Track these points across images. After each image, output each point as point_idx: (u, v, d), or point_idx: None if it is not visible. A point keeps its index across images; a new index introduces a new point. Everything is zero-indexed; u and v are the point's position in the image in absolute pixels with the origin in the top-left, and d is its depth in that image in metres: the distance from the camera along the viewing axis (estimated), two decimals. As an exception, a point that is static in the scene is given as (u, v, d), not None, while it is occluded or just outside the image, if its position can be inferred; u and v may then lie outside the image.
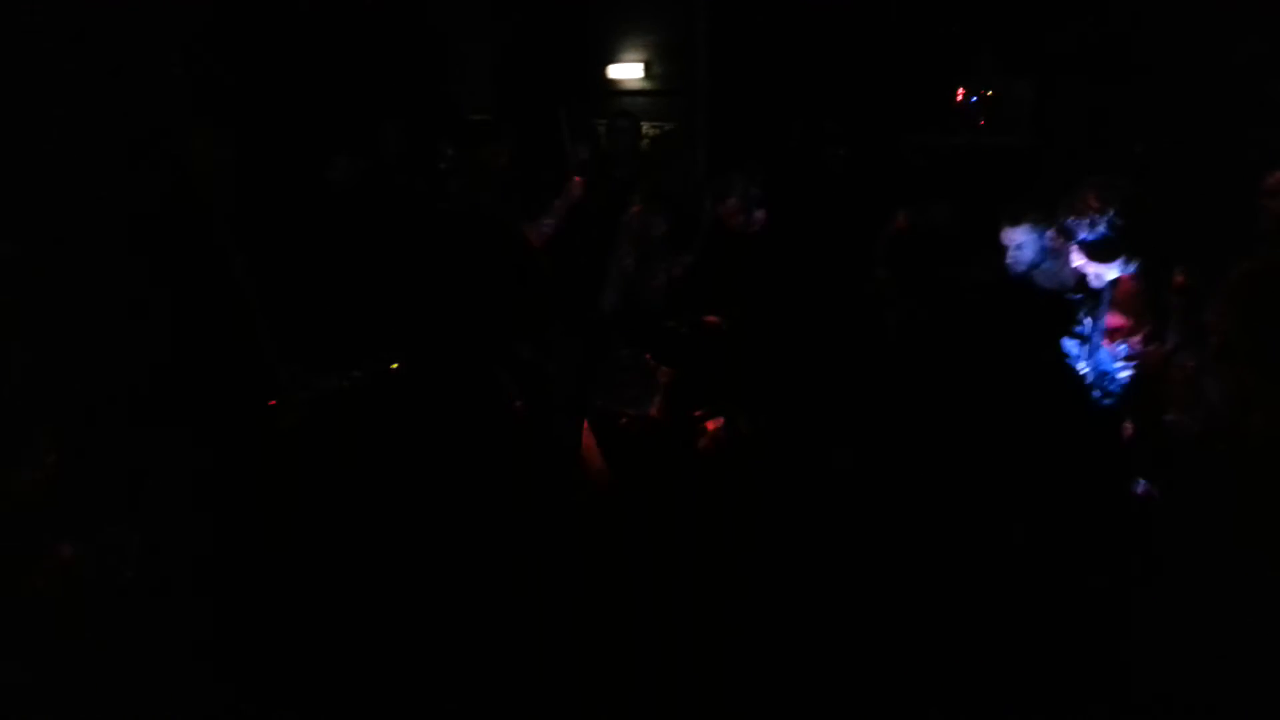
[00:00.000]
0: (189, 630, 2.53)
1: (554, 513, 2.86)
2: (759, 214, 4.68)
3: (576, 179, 4.55)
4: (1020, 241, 3.83)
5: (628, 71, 9.28)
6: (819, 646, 2.44)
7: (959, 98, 8.16)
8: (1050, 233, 3.69)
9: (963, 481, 2.42)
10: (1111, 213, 3.10)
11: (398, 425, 3.05)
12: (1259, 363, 1.72)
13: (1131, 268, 3.21)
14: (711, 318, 3.51)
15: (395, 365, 3.28)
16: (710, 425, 3.04)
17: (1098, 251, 3.17)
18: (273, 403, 3.32)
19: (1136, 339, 3.18)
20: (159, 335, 3.11)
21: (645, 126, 8.73)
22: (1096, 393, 3.40)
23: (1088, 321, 3.52)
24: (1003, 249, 3.85)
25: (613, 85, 9.35)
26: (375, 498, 2.93)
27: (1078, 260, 3.26)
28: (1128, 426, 3.07)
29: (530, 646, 2.60)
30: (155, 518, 2.70)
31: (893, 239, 3.54)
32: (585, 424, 3.13)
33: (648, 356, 3.32)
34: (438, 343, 3.15)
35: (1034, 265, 3.81)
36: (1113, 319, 3.30)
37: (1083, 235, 3.16)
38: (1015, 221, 3.83)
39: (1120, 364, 3.23)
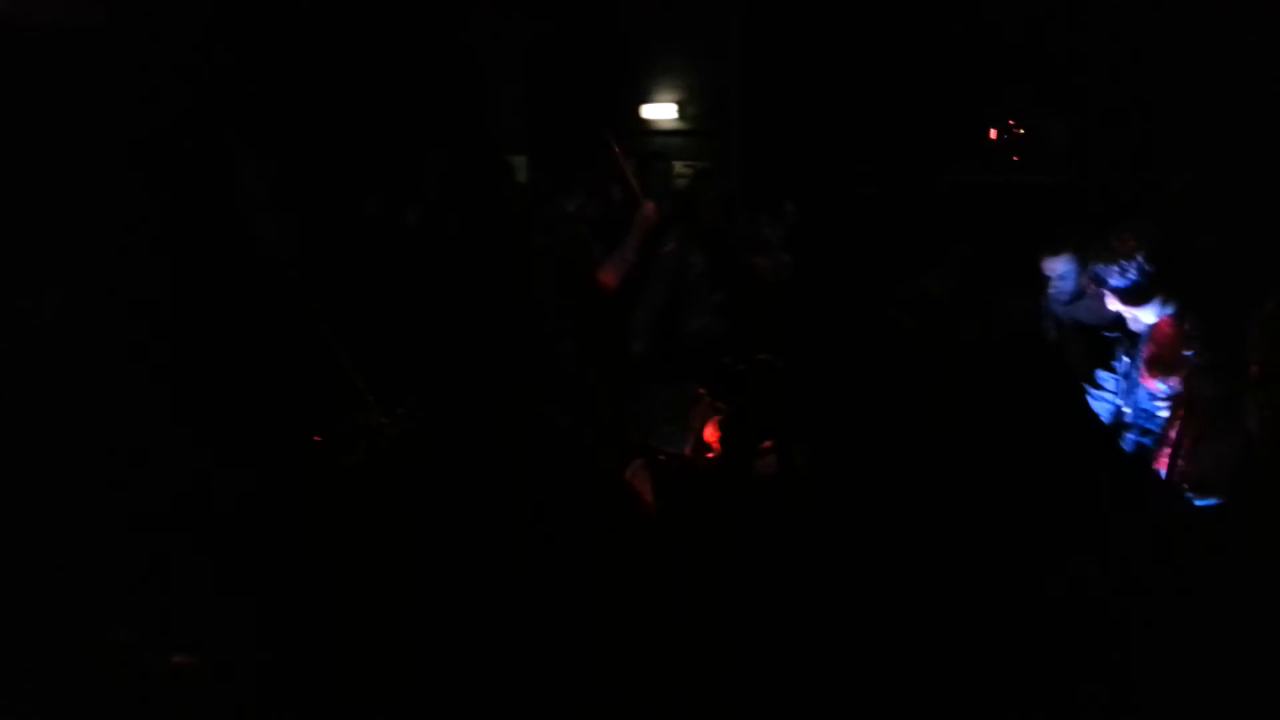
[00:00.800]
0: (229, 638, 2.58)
1: (592, 545, 2.88)
2: (786, 259, 4.74)
3: (650, 205, 4.48)
4: (1063, 272, 3.82)
5: (661, 111, 9.38)
6: (861, 677, 2.44)
7: (994, 136, 8.17)
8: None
9: (986, 518, 2.43)
10: (1140, 258, 3.09)
11: (439, 462, 3.09)
12: None
13: (1169, 309, 3.20)
14: (765, 355, 3.54)
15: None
16: (761, 462, 3.05)
17: (1130, 296, 3.17)
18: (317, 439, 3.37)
19: (1175, 379, 3.16)
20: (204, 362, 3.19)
21: (679, 166, 8.82)
22: (1135, 433, 3.38)
23: (1125, 360, 3.51)
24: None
25: (647, 125, 9.45)
26: (417, 529, 2.96)
27: (1113, 305, 3.25)
28: (1162, 463, 3.06)
29: (566, 677, 2.61)
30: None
31: (903, 301, 3.58)
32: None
33: (702, 392, 3.36)
34: (475, 379, 3.18)
35: (1077, 296, 3.80)
36: (1151, 358, 3.28)
37: (1113, 281, 3.16)
38: (1056, 252, 3.83)
39: (1159, 403, 3.21)
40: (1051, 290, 3.84)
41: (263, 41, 5.96)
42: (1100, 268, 3.19)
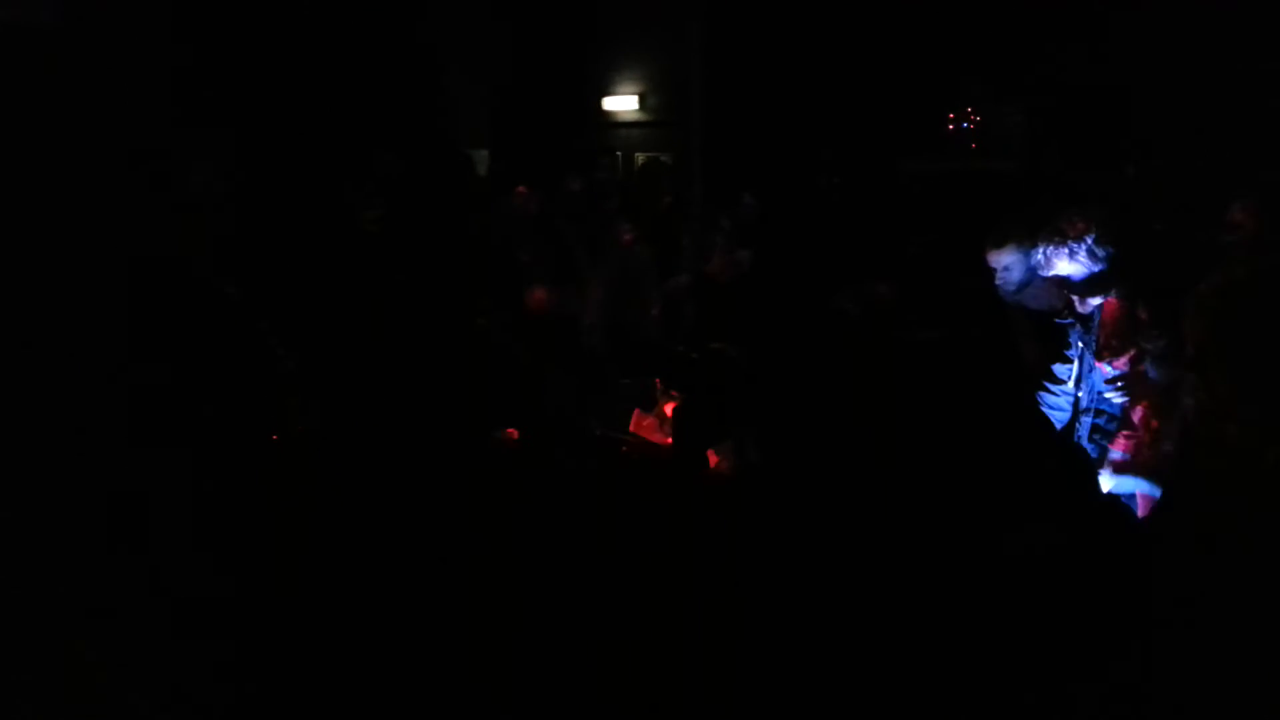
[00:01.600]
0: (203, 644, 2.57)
1: (552, 537, 2.87)
2: (743, 255, 4.73)
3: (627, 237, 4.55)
4: (1007, 263, 3.83)
5: (623, 104, 9.37)
6: (822, 676, 2.45)
7: (951, 124, 8.22)
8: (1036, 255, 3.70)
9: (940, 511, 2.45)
10: (1089, 241, 3.12)
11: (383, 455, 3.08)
12: (1230, 373, 1.74)
13: (1115, 291, 3.22)
14: (719, 344, 3.57)
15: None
16: (712, 454, 3.06)
17: (1080, 287, 3.19)
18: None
19: (1123, 360, 3.19)
20: (157, 360, 3.15)
21: (640, 158, 8.82)
22: (1091, 417, 3.41)
23: (1078, 346, 3.53)
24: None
25: (608, 117, 9.44)
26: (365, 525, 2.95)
27: (1062, 289, 3.28)
28: (1120, 444, 3.10)
29: (528, 671, 2.61)
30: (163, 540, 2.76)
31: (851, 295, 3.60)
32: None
33: (657, 382, 3.35)
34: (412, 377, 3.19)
35: (1023, 286, 3.82)
36: (1102, 341, 3.31)
37: (1062, 265, 3.18)
38: (1000, 244, 3.84)
39: (1111, 386, 3.24)
40: (998, 281, 3.85)
41: (221, 40, 5.91)
42: (1050, 250, 3.21)
